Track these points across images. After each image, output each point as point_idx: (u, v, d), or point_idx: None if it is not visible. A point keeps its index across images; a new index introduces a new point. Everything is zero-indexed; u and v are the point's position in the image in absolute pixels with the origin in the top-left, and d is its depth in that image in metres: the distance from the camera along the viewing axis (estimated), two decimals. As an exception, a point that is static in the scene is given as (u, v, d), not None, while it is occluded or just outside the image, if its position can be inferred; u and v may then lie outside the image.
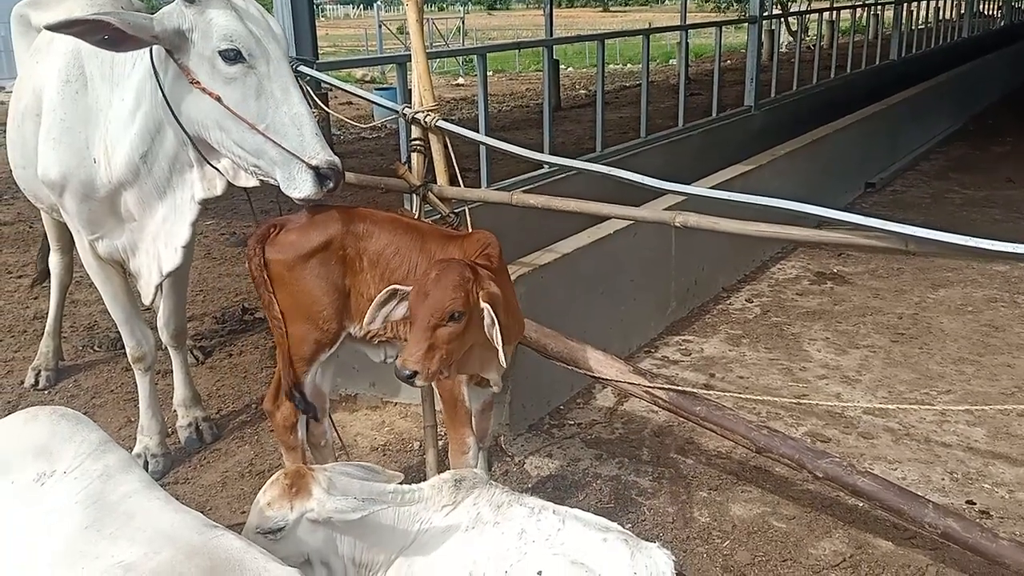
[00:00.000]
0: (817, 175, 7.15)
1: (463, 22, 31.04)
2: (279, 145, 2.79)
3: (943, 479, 3.62)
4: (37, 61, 3.41)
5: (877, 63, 12.85)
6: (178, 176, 3.07)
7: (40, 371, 4.74)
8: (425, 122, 3.53)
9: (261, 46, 2.76)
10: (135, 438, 3.91)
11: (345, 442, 3.68)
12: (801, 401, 4.04)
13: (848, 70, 11.71)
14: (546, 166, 6.07)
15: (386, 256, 3.04)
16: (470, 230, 3.60)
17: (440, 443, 3.64)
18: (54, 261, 4.78)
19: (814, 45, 11.35)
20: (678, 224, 3.03)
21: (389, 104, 3.75)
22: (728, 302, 5.70)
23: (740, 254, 6.12)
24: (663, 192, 5.20)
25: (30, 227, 8.10)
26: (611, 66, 27.06)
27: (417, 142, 3.61)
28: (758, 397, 3.93)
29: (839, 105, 9.77)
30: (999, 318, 5.34)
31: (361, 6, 54.81)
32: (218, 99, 2.80)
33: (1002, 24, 21.11)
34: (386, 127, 14.28)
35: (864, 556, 3.15)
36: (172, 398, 4.20)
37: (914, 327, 5.24)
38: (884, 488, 2.87)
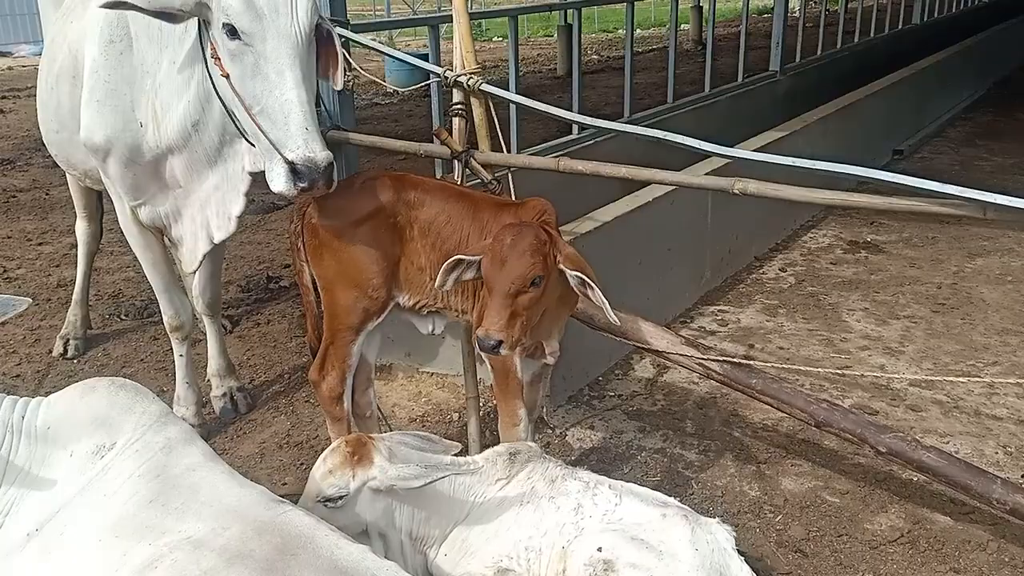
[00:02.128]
0: (848, 141, 7.01)
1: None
2: (264, 133, 2.63)
3: (996, 453, 3.55)
4: (71, 21, 3.29)
5: (900, 27, 12.58)
6: (228, 147, 2.98)
7: (68, 339, 4.68)
8: (468, 85, 3.42)
9: (261, 23, 2.57)
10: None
11: (385, 414, 3.61)
12: (846, 373, 3.96)
13: (872, 34, 11.45)
14: (575, 130, 5.95)
15: (437, 224, 2.96)
16: (513, 197, 3.52)
17: (482, 414, 3.58)
18: (80, 228, 4.70)
19: (829, 9, 11.12)
20: (736, 191, 2.92)
21: (430, 66, 3.63)
22: (761, 271, 5.60)
23: (772, 222, 6.01)
24: (701, 157, 5.12)
25: (46, 194, 8.01)
26: (621, 31, 26.67)
27: (459, 106, 3.49)
28: (823, 370, 3.88)
29: (863, 70, 9.58)
30: (1040, 288, 5.24)
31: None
32: (227, 77, 2.67)
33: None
34: (398, 93, 14.14)
35: (922, 531, 3.10)
36: (206, 368, 4.14)
37: (954, 297, 5.14)
38: (950, 463, 2.80)
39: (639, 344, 3.32)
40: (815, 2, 13.88)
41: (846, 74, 9.68)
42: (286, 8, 2.59)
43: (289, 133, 2.57)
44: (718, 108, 7.52)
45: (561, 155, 5.44)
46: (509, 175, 3.48)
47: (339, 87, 2.98)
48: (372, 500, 2.52)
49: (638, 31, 26.85)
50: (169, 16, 2.68)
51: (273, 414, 4.04)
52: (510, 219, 2.87)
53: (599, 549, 2.53)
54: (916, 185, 2.50)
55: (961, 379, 3.99)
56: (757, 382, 3.02)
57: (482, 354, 3.02)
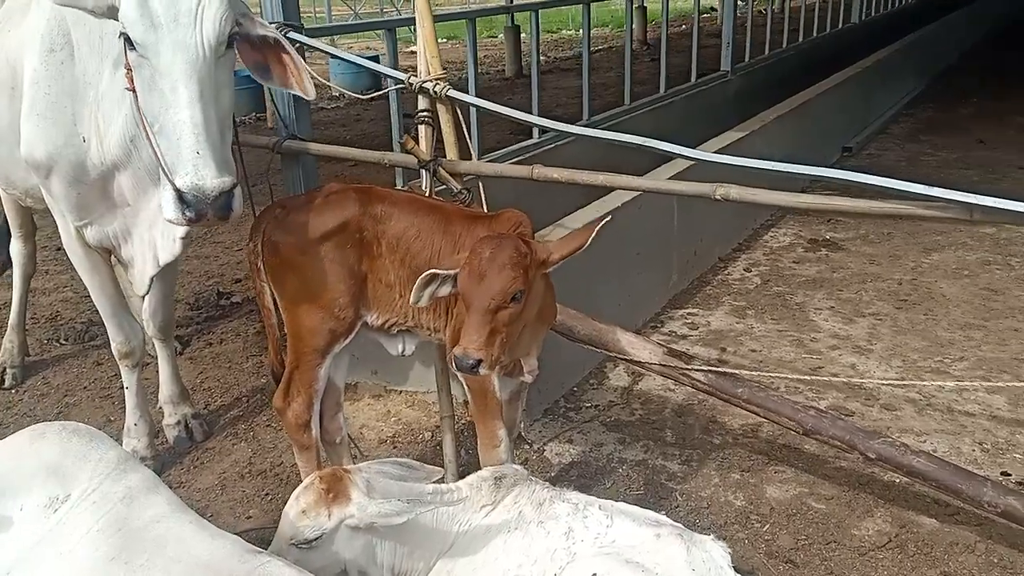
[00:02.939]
0: (803, 139, 7.06)
1: (412, -12, 30.20)
2: (161, 154, 2.39)
3: (973, 450, 3.55)
4: (8, 30, 3.04)
5: (840, 26, 12.81)
6: None
7: (5, 368, 4.40)
8: (435, 92, 3.28)
9: (156, 33, 2.33)
10: (117, 440, 3.62)
11: (355, 439, 3.44)
12: (834, 379, 3.93)
13: (815, 33, 11.62)
14: (535, 135, 5.84)
15: (406, 239, 2.81)
16: (485, 207, 3.39)
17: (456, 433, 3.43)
18: (16, 249, 4.41)
19: (765, 9, 11.20)
20: (719, 197, 2.84)
21: (394, 72, 3.47)
22: (727, 272, 5.57)
23: (734, 223, 5.99)
24: (662, 160, 5.06)
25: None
26: (565, 32, 26.72)
27: (425, 113, 3.35)
28: (804, 377, 3.85)
29: (809, 68, 9.70)
30: (996, 281, 5.31)
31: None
32: (133, 91, 2.44)
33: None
34: (344, 97, 13.87)
35: (910, 535, 3.06)
36: (156, 395, 3.91)
37: (915, 293, 5.18)
38: (940, 468, 2.76)
39: (619, 356, 3.22)
40: (759, 2, 13.99)
41: (793, 73, 9.78)
42: (188, 18, 2.35)
43: (180, 157, 2.33)
44: (674, 109, 7.51)
45: (522, 160, 5.34)
46: (480, 184, 3.35)
47: (311, 95, 2.79)
48: (350, 538, 2.36)
49: (581, 32, 27.00)
50: (90, 12, 2.46)
51: (232, 441, 3.83)
52: (484, 232, 2.74)
53: (594, 575, 2.41)
54: (903, 188, 2.44)
55: (949, 383, 3.98)
56: (743, 391, 2.95)
57: (458, 374, 2.89)
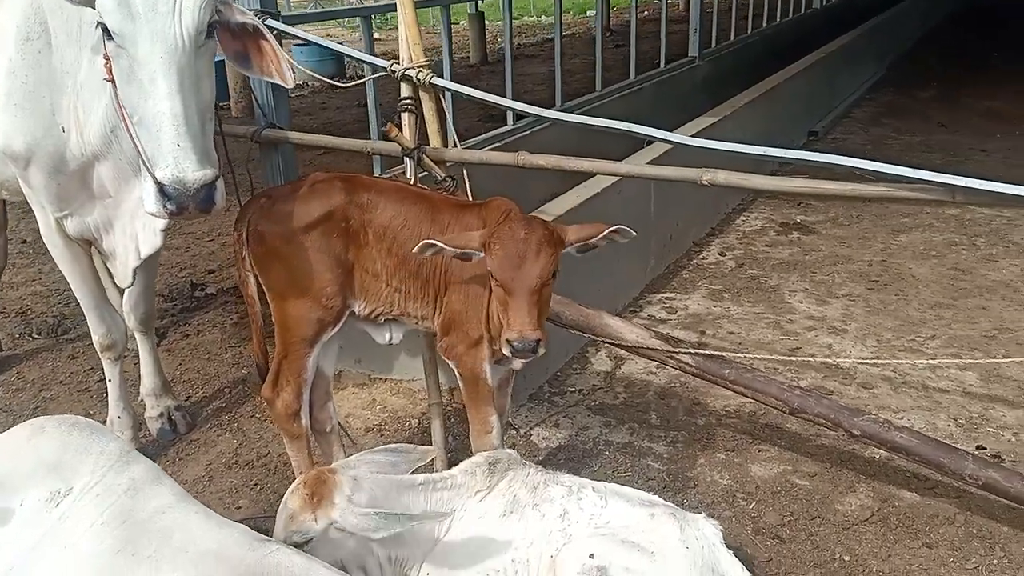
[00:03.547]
0: (772, 124, 7.15)
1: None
2: (141, 146, 2.35)
3: (949, 426, 3.65)
4: (-19, 17, 2.96)
5: (803, 11, 12.96)
6: None
7: None
8: (418, 79, 3.26)
9: (134, 23, 2.28)
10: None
11: (349, 432, 3.43)
12: (827, 361, 4.00)
13: (778, 19, 11.75)
14: (509, 121, 5.84)
15: (393, 228, 2.80)
16: (470, 194, 3.39)
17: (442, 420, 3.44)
18: None
19: None
20: (705, 182, 2.88)
21: (376, 60, 3.44)
22: (702, 256, 5.63)
23: (707, 207, 6.06)
24: (637, 145, 5.10)
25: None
26: (527, 18, 26.64)
27: (408, 101, 3.34)
28: (796, 358, 3.88)
29: (773, 54, 9.82)
30: (963, 261, 5.44)
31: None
32: (112, 82, 2.39)
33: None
34: (308, 85, 13.71)
35: (891, 509, 3.14)
36: (136, 387, 3.86)
37: (885, 274, 5.29)
38: (923, 443, 2.84)
39: (606, 340, 3.25)
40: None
41: (759, 58, 9.90)
42: (166, 7, 2.30)
43: (160, 149, 2.29)
44: (644, 94, 7.56)
45: (499, 147, 5.34)
46: (464, 172, 3.34)
47: (290, 84, 2.76)
48: (342, 537, 2.36)
49: (543, 18, 26.90)
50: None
51: (217, 432, 3.80)
52: (475, 220, 2.75)
53: (591, 556, 2.44)
54: (889, 171, 2.50)
55: (930, 362, 4.07)
56: (730, 373, 3.00)
57: (449, 361, 2.90)
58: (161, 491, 1.89)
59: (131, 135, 2.40)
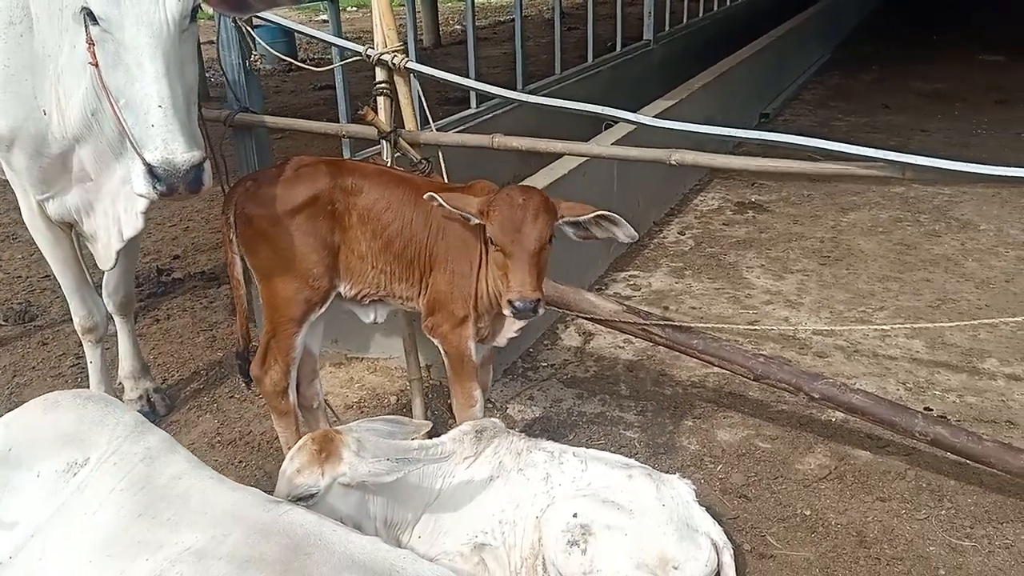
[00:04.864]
0: (726, 105, 7.35)
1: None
2: (128, 129, 2.41)
3: (898, 390, 3.88)
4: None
5: (752, -6, 13.25)
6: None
7: None
8: (393, 63, 3.35)
9: (119, 7, 2.34)
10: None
11: (334, 408, 3.52)
12: (784, 330, 4.20)
13: (729, 2, 12.00)
14: (473, 104, 5.93)
15: (376, 211, 2.90)
16: (444, 176, 3.49)
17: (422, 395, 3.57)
18: None
19: None
20: (673, 162, 3.04)
21: (350, 44, 3.52)
22: (662, 236, 5.82)
23: (666, 188, 6.24)
24: (596, 128, 5.25)
25: None
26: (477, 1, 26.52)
27: (383, 85, 3.43)
28: (749, 327, 4.11)
29: (725, 37, 10.06)
30: (908, 237, 5.72)
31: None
32: (96, 66, 2.45)
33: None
34: (262, 66, 13.55)
35: (847, 467, 3.36)
36: (116, 371, 3.90)
37: (836, 250, 5.54)
38: (876, 403, 3.05)
39: (580, 314, 3.40)
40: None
41: (711, 41, 10.13)
42: None
43: (148, 132, 2.35)
44: (601, 77, 7.71)
45: (465, 129, 5.44)
46: (440, 154, 3.45)
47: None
48: (344, 494, 2.47)
49: (494, 1, 26.81)
50: None
51: (197, 413, 3.86)
52: None
53: (574, 515, 2.60)
54: (845, 151, 2.68)
55: (864, 327, 4.32)
56: (698, 343, 3.18)
57: (435, 340, 3.00)
58: (176, 459, 1.98)
59: (118, 118, 2.45)
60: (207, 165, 2.50)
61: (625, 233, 2.69)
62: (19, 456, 1.92)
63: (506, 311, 2.52)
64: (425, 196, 2.63)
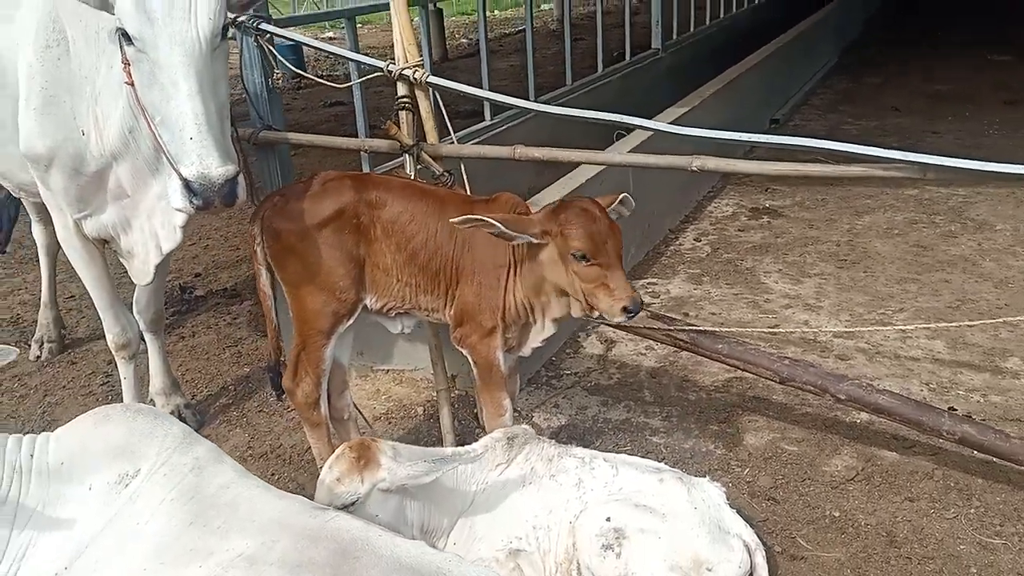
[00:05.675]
0: (737, 112, 7.40)
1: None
2: (164, 146, 2.48)
3: (922, 390, 3.90)
4: (-6, 27, 3.04)
5: (755, 2, 13.31)
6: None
7: (43, 342, 4.65)
8: (415, 78, 3.41)
9: (153, 28, 2.40)
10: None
11: (365, 417, 3.57)
12: (806, 332, 4.23)
13: (734, 9, 12.07)
14: (487, 116, 5.99)
15: (401, 223, 2.95)
16: (467, 188, 3.54)
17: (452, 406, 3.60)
18: (38, 232, 4.62)
19: None
20: (695, 168, 3.08)
21: (372, 61, 3.57)
22: (678, 243, 5.86)
23: (681, 195, 6.28)
24: (608, 139, 5.30)
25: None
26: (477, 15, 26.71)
27: (405, 100, 3.48)
28: (770, 331, 4.15)
29: (732, 44, 10.12)
30: (924, 238, 5.74)
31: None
32: (132, 85, 2.52)
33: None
34: (281, 82, 13.67)
35: (875, 468, 3.38)
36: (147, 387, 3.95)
37: (853, 253, 5.56)
38: (903, 403, 3.07)
39: (610, 322, 3.43)
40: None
41: (718, 48, 10.19)
42: (183, 11, 2.43)
43: (184, 148, 2.41)
44: (611, 87, 7.76)
45: (478, 141, 5.49)
46: (462, 166, 3.50)
47: None
48: (383, 501, 2.51)
49: (497, 12, 27.02)
50: (83, 1, 2.51)
51: (227, 428, 3.91)
52: (484, 214, 2.88)
53: (608, 519, 2.63)
54: (867, 153, 2.71)
55: (885, 328, 4.34)
56: (724, 347, 3.20)
57: (463, 350, 3.04)
58: (223, 469, 2.03)
59: (154, 135, 2.52)
60: (241, 178, 2.56)
61: (627, 206, 2.88)
62: (71, 470, 1.97)
63: (616, 318, 2.63)
64: (458, 221, 2.64)
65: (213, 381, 4.37)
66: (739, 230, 6.07)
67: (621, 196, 2.77)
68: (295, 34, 3.79)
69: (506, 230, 2.62)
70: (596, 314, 2.74)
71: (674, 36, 9.59)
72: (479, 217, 2.63)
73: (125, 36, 2.45)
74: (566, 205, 2.70)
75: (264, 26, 3.65)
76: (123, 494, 1.94)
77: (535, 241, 2.68)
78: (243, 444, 3.77)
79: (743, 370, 3.26)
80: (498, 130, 5.91)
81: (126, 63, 2.51)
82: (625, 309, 2.59)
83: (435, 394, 3.62)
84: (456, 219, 2.65)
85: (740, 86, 7.60)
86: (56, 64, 2.82)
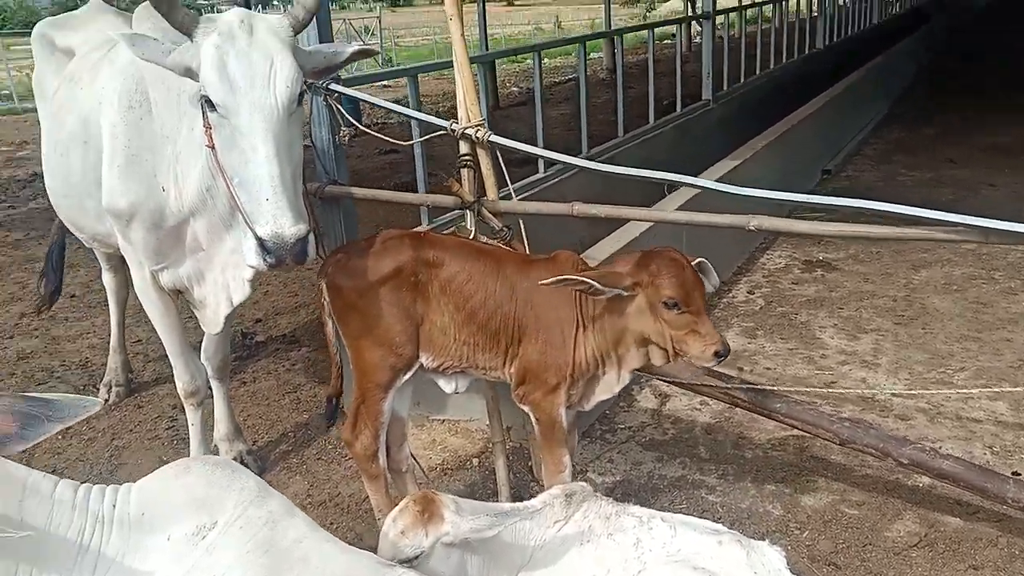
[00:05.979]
0: (788, 164, 7.42)
1: (380, 21, 30.66)
2: (241, 205, 2.60)
3: (985, 454, 3.82)
4: (80, 87, 3.24)
5: (807, 51, 13.35)
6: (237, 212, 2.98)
7: (111, 386, 4.81)
8: (477, 137, 3.52)
9: (235, 96, 2.53)
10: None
11: (423, 468, 3.62)
12: (866, 393, 4.19)
13: (784, 59, 12.12)
14: (541, 169, 6.10)
15: (458, 283, 3.00)
16: (525, 244, 3.62)
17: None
18: (108, 279, 4.81)
19: (721, 36, 11.46)
20: (752, 227, 3.10)
21: (437, 120, 3.70)
22: (732, 295, 5.85)
23: (733, 248, 6.29)
24: (658, 194, 5.35)
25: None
26: (528, 62, 27.18)
27: (467, 157, 3.59)
28: (834, 391, 4.13)
29: (781, 95, 10.15)
30: (983, 295, 5.65)
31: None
32: (212, 148, 2.65)
33: (909, 5, 22.17)
34: (345, 138, 14.06)
35: (938, 534, 3.31)
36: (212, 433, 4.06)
37: (910, 309, 5.49)
38: (967, 469, 3.02)
39: (661, 377, 3.45)
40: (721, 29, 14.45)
41: (766, 99, 10.23)
42: (263, 81, 2.56)
43: (260, 208, 2.53)
44: (663, 138, 7.84)
45: (527, 196, 5.58)
46: (521, 223, 3.58)
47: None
48: (446, 556, 2.54)
49: (546, 61, 27.47)
50: (167, 67, 2.66)
51: (287, 475, 3.99)
52: (544, 273, 2.92)
53: (666, 582, 2.62)
54: (928, 216, 2.72)
55: (948, 391, 4.27)
56: (781, 406, 3.20)
57: (524, 407, 3.08)
58: (296, 522, 2.08)
59: (232, 195, 2.64)
60: (311, 237, 2.67)
61: (711, 281, 2.85)
62: (152, 520, 2.04)
63: (708, 364, 2.71)
64: (551, 281, 2.71)
65: (273, 427, 4.47)
66: (793, 283, 6.05)
67: (698, 261, 2.79)
68: (362, 94, 3.94)
69: (599, 286, 2.67)
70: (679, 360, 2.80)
71: (724, 87, 9.67)
72: (571, 277, 2.69)
73: (208, 102, 2.59)
74: (652, 255, 2.74)
75: (333, 86, 3.80)
76: (200, 545, 2.00)
77: (625, 294, 2.72)
78: (303, 492, 3.84)
79: (801, 430, 3.24)
80: (552, 181, 6.00)
81: (208, 127, 2.65)
82: (716, 353, 2.64)
83: (491, 446, 3.66)
84: (547, 280, 2.72)
85: (792, 138, 7.62)
86: (139, 124, 2.99)
